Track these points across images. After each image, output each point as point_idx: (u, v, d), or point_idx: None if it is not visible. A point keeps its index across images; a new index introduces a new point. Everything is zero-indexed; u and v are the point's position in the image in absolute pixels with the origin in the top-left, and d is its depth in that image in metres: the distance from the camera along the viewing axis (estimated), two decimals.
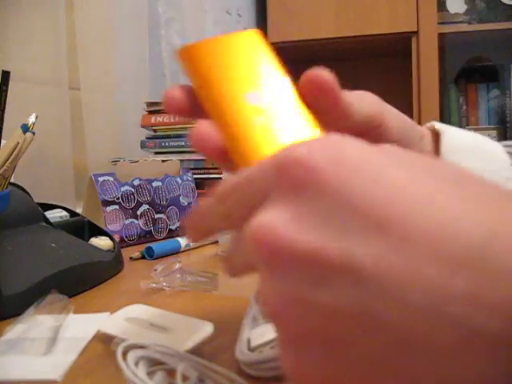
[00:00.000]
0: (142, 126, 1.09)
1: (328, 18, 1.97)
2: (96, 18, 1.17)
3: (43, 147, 1.03)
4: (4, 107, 0.64)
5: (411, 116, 1.90)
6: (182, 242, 0.77)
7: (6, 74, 0.64)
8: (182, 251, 0.76)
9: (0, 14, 0.95)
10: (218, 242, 0.76)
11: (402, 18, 1.91)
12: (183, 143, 1.05)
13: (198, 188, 0.96)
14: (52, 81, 1.06)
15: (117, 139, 1.21)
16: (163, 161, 0.93)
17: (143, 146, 1.09)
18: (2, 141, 0.62)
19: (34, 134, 0.67)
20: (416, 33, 1.91)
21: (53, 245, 0.59)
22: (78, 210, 0.89)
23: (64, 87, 1.07)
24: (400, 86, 2.14)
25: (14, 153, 0.63)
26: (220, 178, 1.01)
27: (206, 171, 1.03)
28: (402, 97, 2.12)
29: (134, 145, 1.14)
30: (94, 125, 1.15)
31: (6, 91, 0.64)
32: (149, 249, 0.72)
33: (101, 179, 0.83)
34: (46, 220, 0.63)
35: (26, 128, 0.65)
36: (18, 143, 0.63)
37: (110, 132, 1.20)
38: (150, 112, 1.09)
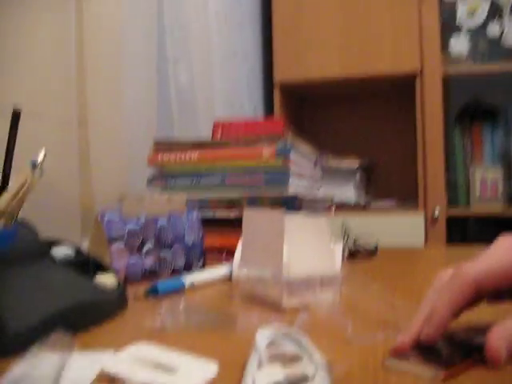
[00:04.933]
0: (149, 164, 1.10)
1: (333, 58, 2.00)
2: (105, 56, 1.20)
3: (50, 183, 1.04)
4: (13, 148, 0.65)
5: (416, 155, 1.91)
6: (187, 280, 0.76)
7: (17, 114, 0.65)
8: (187, 289, 0.76)
9: (11, 49, 0.97)
10: (228, 279, 0.76)
11: (406, 57, 1.94)
12: (189, 182, 1.05)
13: (203, 226, 0.96)
14: (61, 118, 1.07)
15: (124, 176, 1.22)
16: (169, 198, 0.93)
17: (150, 183, 1.09)
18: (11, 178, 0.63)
19: (42, 171, 0.67)
20: (420, 73, 1.94)
21: (59, 282, 0.59)
22: (84, 246, 0.89)
23: (73, 124, 1.08)
24: (405, 125, 2.16)
25: (23, 190, 0.64)
26: (226, 218, 1.01)
27: (211, 209, 1.03)
28: (406, 136, 2.15)
29: (141, 182, 1.15)
30: (101, 161, 1.16)
31: (16, 133, 0.65)
32: (154, 287, 0.72)
33: (107, 216, 0.83)
34: (52, 257, 0.63)
35: (34, 165, 0.66)
36: (27, 180, 0.64)
37: (117, 169, 1.21)
38: (157, 150, 1.10)
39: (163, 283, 0.73)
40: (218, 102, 1.63)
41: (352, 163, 2.03)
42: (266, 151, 1.01)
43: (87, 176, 1.14)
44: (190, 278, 0.77)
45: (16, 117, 0.66)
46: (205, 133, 1.27)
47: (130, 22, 1.27)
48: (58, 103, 1.07)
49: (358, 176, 2.05)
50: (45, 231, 0.72)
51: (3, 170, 0.65)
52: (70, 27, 1.07)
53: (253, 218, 0.73)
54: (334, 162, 2.01)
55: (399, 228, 1.90)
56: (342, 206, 1.94)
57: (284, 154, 1.00)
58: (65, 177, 1.07)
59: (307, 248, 0.67)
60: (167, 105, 1.43)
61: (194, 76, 1.48)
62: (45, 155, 0.68)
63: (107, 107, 1.20)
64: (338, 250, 0.78)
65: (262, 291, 0.69)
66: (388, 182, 2.28)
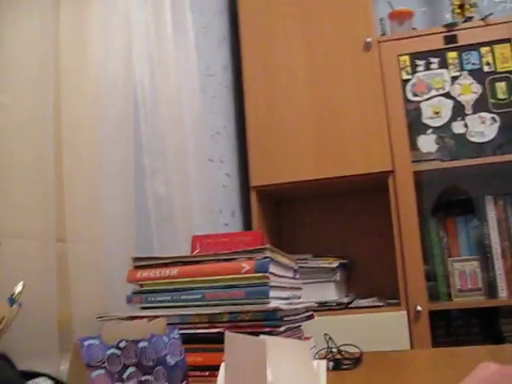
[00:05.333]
0: (128, 281, 1.10)
1: (307, 162, 2.07)
2: (83, 171, 1.22)
3: (27, 302, 1.03)
4: None
5: (394, 250, 1.94)
6: None
7: None
8: None
9: None
10: None
11: (377, 158, 2.02)
12: (169, 298, 1.05)
13: (184, 343, 0.94)
14: (39, 234, 1.07)
15: (103, 293, 1.21)
16: (149, 320, 0.93)
17: (129, 301, 1.09)
18: None
19: (20, 305, 0.67)
20: (392, 172, 2.00)
21: None
22: (62, 367, 0.87)
23: (51, 240, 1.08)
24: (380, 221, 2.20)
25: (1, 326, 0.63)
26: (206, 333, 1.00)
27: (192, 326, 1.02)
28: (382, 232, 2.18)
29: (121, 298, 1.14)
30: (79, 278, 1.15)
31: None
32: None
33: (86, 343, 0.82)
34: None
35: (12, 301, 0.65)
36: (4, 318, 0.64)
37: (96, 286, 1.20)
38: (136, 266, 1.10)
39: None
40: (196, 210, 1.65)
41: (331, 262, 2.04)
42: (246, 265, 1.01)
43: (65, 293, 1.12)
44: None
45: None
46: (184, 244, 1.27)
47: (108, 132, 1.30)
48: (36, 219, 1.07)
49: (338, 275, 2.05)
50: (21, 353, 0.70)
51: None
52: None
53: (235, 342, 0.72)
54: (314, 262, 2.02)
55: (382, 325, 1.89)
56: (323, 306, 1.93)
57: (264, 267, 1.00)
58: (42, 295, 1.06)
59: (291, 371, 0.67)
60: (146, 216, 1.44)
61: (172, 186, 1.50)
62: (23, 286, 0.68)
63: (85, 221, 1.21)
64: (322, 370, 0.77)
65: None
66: (368, 279, 2.29)
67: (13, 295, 0.67)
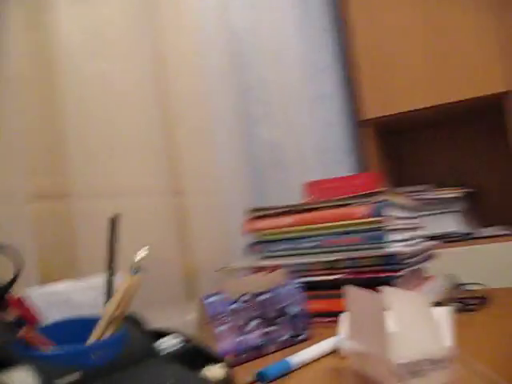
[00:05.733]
0: (245, 232, 1.12)
1: (419, 89, 1.97)
2: (195, 123, 1.23)
3: (153, 255, 1.08)
4: (115, 252, 0.68)
5: None
6: (293, 360, 0.76)
7: (115, 220, 0.68)
8: (294, 370, 0.76)
9: None
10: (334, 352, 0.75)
11: (490, 79, 1.88)
12: (286, 247, 1.06)
13: (304, 291, 0.95)
14: (156, 189, 1.11)
15: (224, 242, 1.24)
16: (269, 272, 0.94)
17: (247, 251, 1.11)
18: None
19: (145, 271, 0.69)
20: (506, 93, 1.87)
21: (166, 380, 0.59)
22: (189, 317, 0.91)
23: (169, 193, 1.12)
24: (499, 146, 2.07)
25: (129, 293, 0.65)
26: (325, 280, 1.00)
27: (311, 273, 1.03)
28: (502, 156, 2.05)
29: (240, 248, 1.16)
30: (200, 229, 1.18)
31: (116, 237, 0.68)
32: (261, 373, 0.72)
33: (209, 300, 0.85)
34: (159, 352, 0.65)
35: (135, 271, 0.67)
36: (131, 285, 0.66)
37: (216, 236, 1.23)
38: (252, 217, 1.12)
39: (270, 368, 0.73)
40: (308, 152, 1.63)
41: (452, 192, 1.96)
42: (361, 210, 0.99)
43: (188, 245, 1.17)
44: (296, 359, 0.77)
45: (114, 223, 0.69)
46: (297, 189, 1.26)
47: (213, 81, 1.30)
48: (152, 175, 1.11)
49: (459, 205, 1.97)
50: (150, 303, 0.73)
51: (108, 275, 0.68)
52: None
53: (355, 296, 0.71)
54: (434, 193, 1.95)
55: (510, 256, 1.79)
56: (445, 238, 1.87)
57: (380, 211, 0.98)
58: (166, 247, 1.11)
59: (412, 326, 0.65)
60: (258, 163, 1.45)
61: (281, 131, 1.49)
62: (147, 254, 0.69)
63: (201, 173, 1.23)
64: (445, 317, 0.74)
65: (370, 371, 0.67)
66: (491, 208, 2.17)
67: (135, 264, 0.68)
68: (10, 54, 0.86)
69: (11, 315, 0.61)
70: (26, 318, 0.63)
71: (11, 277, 0.60)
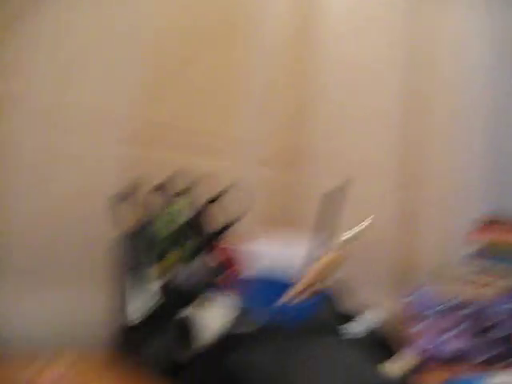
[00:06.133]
0: (469, 240, 1.04)
1: None
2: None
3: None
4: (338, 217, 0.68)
5: None
6: (489, 382, 0.70)
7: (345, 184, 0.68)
8: None
9: None
10: None
11: None
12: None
13: None
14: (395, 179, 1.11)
15: (448, 244, 1.17)
16: (488, 282, 0.87)
17: (466, 259, 1.03)
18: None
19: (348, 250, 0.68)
20: None
21: (340, 362, 0.58)
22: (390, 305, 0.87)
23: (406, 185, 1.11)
24: None
25: (327, 269, 0.65)
26: None
27: None
28: None
29: (461, 252, 1.09)
30: (429, 224, 1.15)
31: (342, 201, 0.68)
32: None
33: (416, 296, 0.82)
34: (344, 333, 0.64)
35: (344, 244, 0.67)
36: (333, 259, 0.65)
37: (443, 234, 1.17)
38: (482, 226, 1.04)
39: (462, 381, 0.68)
40: None
41: None
42: None
43: (409, 237, 1.13)
44: (493, 381, 0.70)
45: (344, 187, 0.68)
46: None
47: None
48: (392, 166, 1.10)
49: None
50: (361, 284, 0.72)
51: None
52: None
53: None
54: None
55: None
56: None
57: None
58: (387, 234, 1.09)
59: None
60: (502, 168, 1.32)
61: None
62: (370, 224, 0.68)
63: (441, 169, 1.19)
64: None
65: None
66: None
67: (352, 235, 0.67)
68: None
69: (215, 261, 0.65)
70: (227, 267, 0.66)
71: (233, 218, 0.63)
